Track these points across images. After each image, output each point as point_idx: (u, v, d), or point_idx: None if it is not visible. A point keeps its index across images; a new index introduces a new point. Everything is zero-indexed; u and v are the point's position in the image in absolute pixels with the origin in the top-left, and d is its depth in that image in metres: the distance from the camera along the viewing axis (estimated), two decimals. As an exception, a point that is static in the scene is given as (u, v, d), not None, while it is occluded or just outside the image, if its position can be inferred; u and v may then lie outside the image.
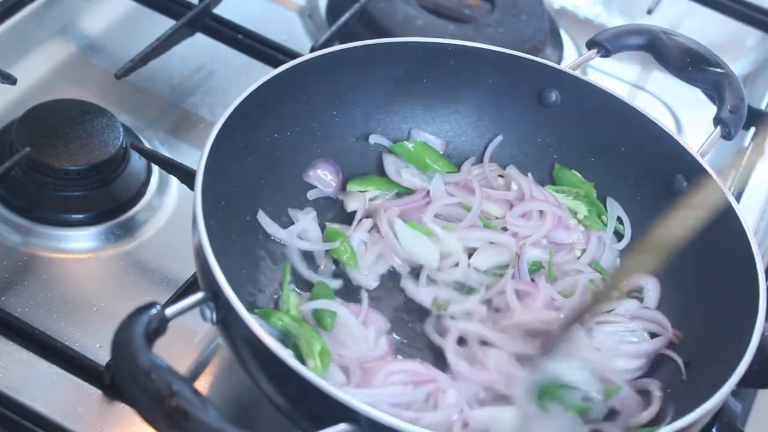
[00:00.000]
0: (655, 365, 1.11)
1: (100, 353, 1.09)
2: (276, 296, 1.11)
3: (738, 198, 1.42)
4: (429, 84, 1.25)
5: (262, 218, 1.14)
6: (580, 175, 1.26)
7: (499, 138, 1.27)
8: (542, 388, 1.03)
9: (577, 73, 1.25)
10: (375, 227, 1.18)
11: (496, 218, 1.23)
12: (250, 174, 1.13)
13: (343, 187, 1.22)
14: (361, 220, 1.18)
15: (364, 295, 1.12)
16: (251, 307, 1.05)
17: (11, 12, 1.40)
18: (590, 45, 1.28)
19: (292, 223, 1.17)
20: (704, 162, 1.17)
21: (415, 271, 1.16)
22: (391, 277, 1.17)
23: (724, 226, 1.12)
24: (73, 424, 1.03)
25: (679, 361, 1.09)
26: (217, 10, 1.46)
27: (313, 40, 1.52)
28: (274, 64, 1.34)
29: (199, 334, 1.14)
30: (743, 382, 0.98)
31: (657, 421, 1.05)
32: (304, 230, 1.16)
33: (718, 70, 1.25)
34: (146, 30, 1.42)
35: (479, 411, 1.01)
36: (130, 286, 1.18)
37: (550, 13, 1.65)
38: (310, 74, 1.17)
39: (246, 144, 1.12)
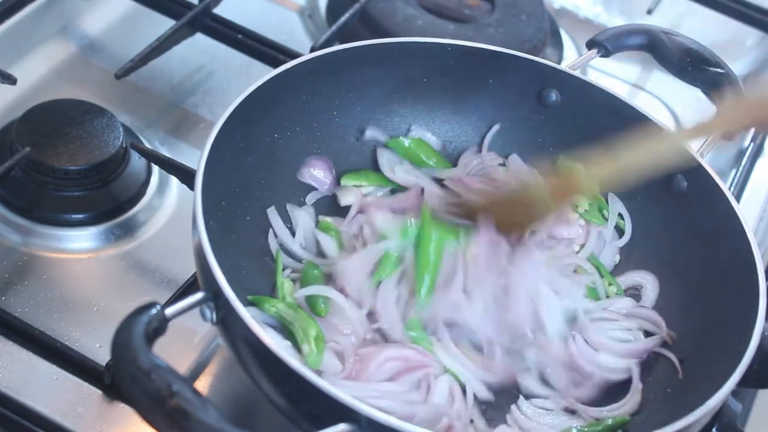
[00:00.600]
0: (651, 364, 1.12)
1: (100, 353, 1.09)
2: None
3: (738, 198, 1.42)
4: (429, 84, 1.25)
5: (272, 215, 1.14)
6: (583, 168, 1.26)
7: (497, 126, 1.27)
8: None
9: (577, 73, 1.25)
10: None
11: None
12: (250, 174, 1.13)
13: (337, 182, 1.22)
14: (355, 215, 1.19)
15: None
16: (250, 305, 1.05)
17: (11, 12, 1.40)
18: (590, 45, 1.28)
19: (289, 220, 1.17)
20: (704, 162, 1.17)
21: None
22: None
23: (724, 226, 1.12)
24: (73, 424, 1.03)
25: (674, 358, 1.09)
26: (217, 10, 1.46)
27: (313, 40, 1.52)
28: (274, 64, 1.35)
29: (199, 334, 1.14)
30: (743, 382, 0.98)
31: (639, 410, 1.07)
32: (301, 227, 1.16)
33: (718, 70, 1.25)
34: (146, 30, 1.42)
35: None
36: (130, 286, 1.18)
37: (550, 13, 1.65)
38: (310, 74, 1.17)
39: (246, 144, 1.12)
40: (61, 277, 1.17)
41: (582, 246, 1.22)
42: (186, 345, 1.12)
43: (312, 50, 1.37)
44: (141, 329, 0.87)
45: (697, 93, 1.30)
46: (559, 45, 1.62)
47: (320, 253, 1.16)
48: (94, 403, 1.05)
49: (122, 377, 0.84)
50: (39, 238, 1.20)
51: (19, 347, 1.08)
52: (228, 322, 0.94)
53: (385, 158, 1.24)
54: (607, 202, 1.24)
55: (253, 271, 1.10)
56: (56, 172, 1.21)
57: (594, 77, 1.43)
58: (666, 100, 1.59)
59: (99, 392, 1.06)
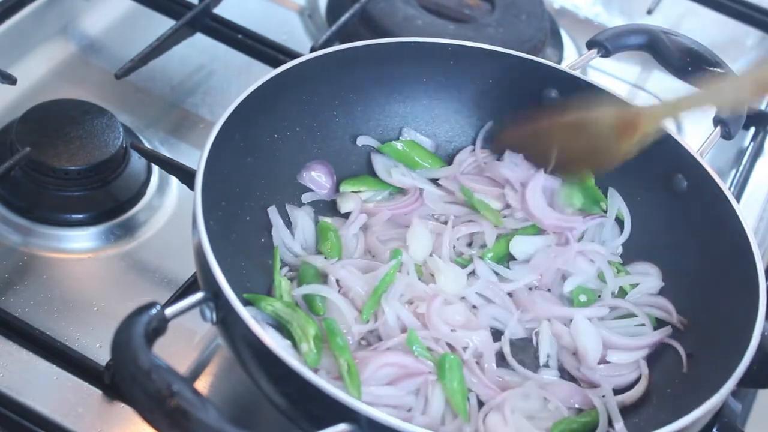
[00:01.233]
0: (651, 364, 1.12)
1: (100, 353, 1.09)
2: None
3: (738, 198, 1.42)
4: (429, 84, 1.25)
5: (273, 214, 1.14)
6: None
7: (489, 124, 1.27)
8: None
9: (577, 73, 1.25)
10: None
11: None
12: (250, 174, 1.13)
13: (337, 189, 1.22)
14: (356, 220, 1.19)
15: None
16: (247, 304, 1.05)
17: (11, 12, 1.40)
18: (590, 45, 1.28)
19: (289, 220, 1.17)
20: (704, 162, 1.17)
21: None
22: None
23: (724, 226, 1.12)
24: (73, 424, 1.03)
25: (682, 351, 1.09)
26: (217, 10, 1.46)
27: (313, 40, 1.52)
28: (274, 64, 1.35)
29: (199, 334, 1.14)
30: (743, 382, 0.98)
31: (645, 399, 1.07)
32: (300, 227, 1.16)
33: (718, 70, 1.25)
34: (146, 30, 1.42)
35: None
36: (130, 286, 1.18)
37: (550, 13, 1.65)
38: (310, 74, 1.17)
39: (246, 144, 1.12)
40: (61, 277, 1.17)
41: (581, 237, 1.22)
42: (186, 345, 1.12)
43: (312, 50, 1.37)
44: (141, 329, 0.87)
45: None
46: (559, 45, 1.62)
47: (319, 253, 1.16)
48: (94, 403, 1.05)
49: (122, 377, 0.84)
50: (39, 238, 1.20)
51: (19, 347, 1.08)
52: (228, 322, 0.94)
53: (380, 162, 1.24)
54: (605, 195, 1.24)
55: (253, 271, 1.10)
56: (56, 172, 1.21)
57: (594, 77, 1.43)
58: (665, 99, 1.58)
59: (99, 392, 1.06)
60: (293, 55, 1.39)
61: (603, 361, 1.11)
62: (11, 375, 1.06)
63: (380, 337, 1.08)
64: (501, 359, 1.10)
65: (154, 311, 0.89)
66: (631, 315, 1.15)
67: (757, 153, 1.52)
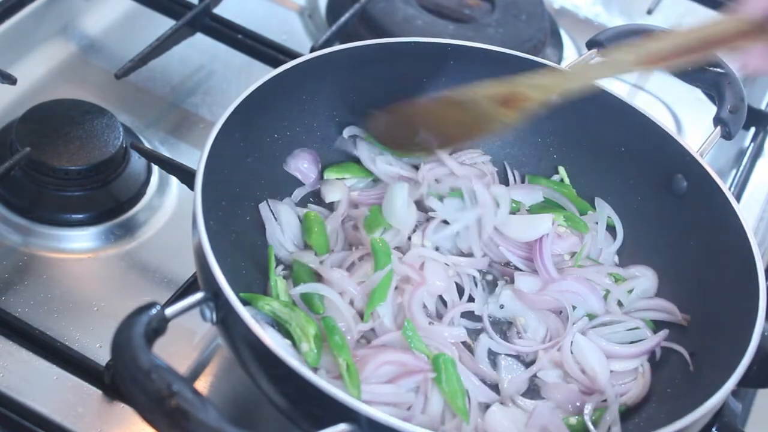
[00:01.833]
0: (651, 365, 1.12)
1: (100, 353, 1.09)
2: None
3: (738, 198, 1.42)
4: (429, 84, 1.25)
5: (264, 209, 1.14)
6: (554, 179, 1.26)
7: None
8: None
9: (577, 72, 1.24)
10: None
11: None
12: (250, 174, 1.13)
13: (321, 176, 1.22)
14: (344, 212, 1.19)
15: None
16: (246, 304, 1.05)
17: (11, 12, 1.40)
18: (590, 45, 1.28)
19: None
20: (704, 162, 1.17)
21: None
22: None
23: (724, 226, 1.12)
24: (73, 424, 1.04)
25: (684, 351, 1.09)
26: (217, 10, 1.46)
27: (313, 40, 1.52)
28: (274, 64, 1.35)
29: (199, 334, 1.14)
30: (743, 382, 0.98)
31: (645, 399, 1.07)
32: (285, 222, 1.16)
33: (718, 70, 1.25)
34: (146, 30, 1.42)
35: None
36: (130, 286, 1.18)
37: (550, 13, 1.65)
38: (310, 74, 1.17)
39: (246, 144, 1.12)
40: (61, 277, 1.17)
41: (574, 254, 1.21)
42: (186, 345, 1.12)
43: (312, 50, 1.37)
44: (141, 329, 0.87)
45: (697, 93, 1.30)
46: (559, 45, 1.62)
47: (307, 246, 1.16)
48: (94, 403, 1.05)
49: (122, 377, 0.84)
50: (39, 238, 1.20)
51: (19, 347, 1.08)
52: (228, 322, 0.94)
53: (365, 150, 1.23)
54: (593, 206, 1.24)
55: (253, 271, 1.10)
56: (56, 172, 1.21)
57: (594, 77, 1.42)
58: (666, 100, 1.59)
59: (99, 392, 1.06)
60: (293, 55, 1.39)
61: None
62: (11, 375, 1.06)
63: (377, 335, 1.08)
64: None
65: (154, 311, 0.89)
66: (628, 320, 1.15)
67: (757, 153, 1.52)
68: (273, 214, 1.15)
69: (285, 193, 1.19)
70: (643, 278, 1.18)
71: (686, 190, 1.18)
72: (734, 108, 1.23)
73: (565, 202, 1.24)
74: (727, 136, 1.23)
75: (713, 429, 1.07)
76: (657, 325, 1.15)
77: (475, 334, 1.13)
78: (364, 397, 0.98)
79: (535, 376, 1.10)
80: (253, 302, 1.04)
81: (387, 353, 1.04)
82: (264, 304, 1.04)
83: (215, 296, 0.94)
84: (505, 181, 1.27)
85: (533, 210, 1.23)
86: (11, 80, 1.29)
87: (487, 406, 1.05)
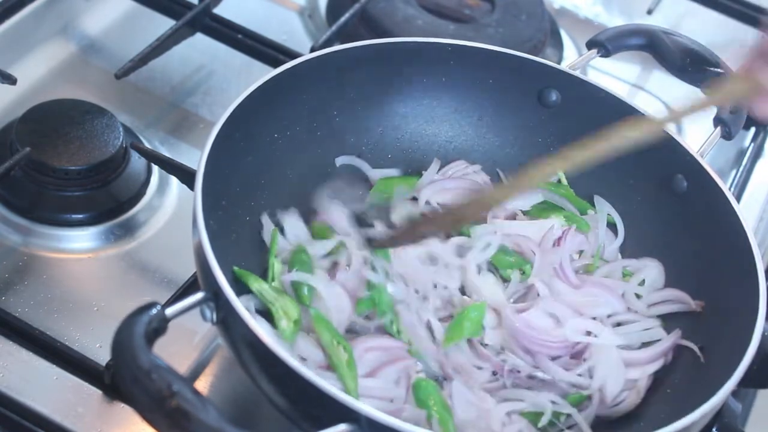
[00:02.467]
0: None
1: (100, 353, 1.09)
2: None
3: (738, 198, 1.42)
4: (429, 83, 1.25)
5: (266, 222, 1.14)
6: (552, 180, 1.26)
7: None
8: None
9: (577, 73, 1.25)
10: None
11: None
12: (250, 174, 1.13)
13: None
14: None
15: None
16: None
17: (11, 12, 1.40)
18: (591, 45, 1.28)
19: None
20: (704, 162, 1.17)
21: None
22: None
23: (724, 227, 1.12)
24: (73, 424, 1.03)
25: (695, 347, 1.08)
26: (217, 10, 1.46)
27: (313, 40, 1.52)
28: (274, 64, 1.35)
29: (199, 334, 1.14)
30: (743, 382, 0.98)
31: (645, 400, 1.07)
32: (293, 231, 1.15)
33: (718, 70, 1.25)
34: (146, 30, 1.42)
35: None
36: (130, 286, 1.18)
37: (550, 13, 1.65)
38: (310, 74, 1.17)
39: (246, 144, 1.12)
40: (61, 277, 1.17)
41: (581, 253, 1.21)
42: (186, 345, 1.12)
43: (312, 50, 1.37)
44: (141, 329, 0.87)
45: (697, 93, 1.30)
46: (559, 45, 1.62)
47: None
48: (94, 403, 1.05)
49: (123, 377, 0.84)
50: (39, 238, 1.20)
51: (19, 347, 1.08)
52: (228, 322, 0.94)
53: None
54: (593, 204, 1.24)
55: (253, 271, 1.10)
56: (56, 172, 1.21)
57: (594, 77, 1.42)
58: (666, 100, 1.59)
59: (99, 392, 1.06)
60: (293, 55, 1.39)
61: None
62: (11, 375, 1.06)
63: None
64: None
65: (154, 311, 0.89)
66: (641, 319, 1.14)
67: (757, 153, 1.52)
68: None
69: (284, 193, 1.18)
70: (651, 268, 1.18)
71: (686, 190, 1.18)
72: (734, 108, 1.23)
73: (564, 203, 1.24)
74: (727, 136, 1.23)
75: (713, 429, 1.07)
76: (667, 323, 1.14)
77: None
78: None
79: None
80: (244, 278, 1.04)
81: (369, 339, 1.05)
82: (253, 282, 1.04)
83: (215, 296, 0.94)
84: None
85: (533, 212, 1.23)
86: (11, 80, 1.29)
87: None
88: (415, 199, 1.23)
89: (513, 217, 1.22)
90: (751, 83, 0.98)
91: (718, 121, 1.23)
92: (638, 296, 1.15)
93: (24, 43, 1.42)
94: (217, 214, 1.05)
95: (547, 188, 1.24)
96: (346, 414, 0.87)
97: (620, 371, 1.08)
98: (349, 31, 1.47)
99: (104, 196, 1.24)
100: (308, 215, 1.17)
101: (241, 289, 1.04)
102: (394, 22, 1.50)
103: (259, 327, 0.91)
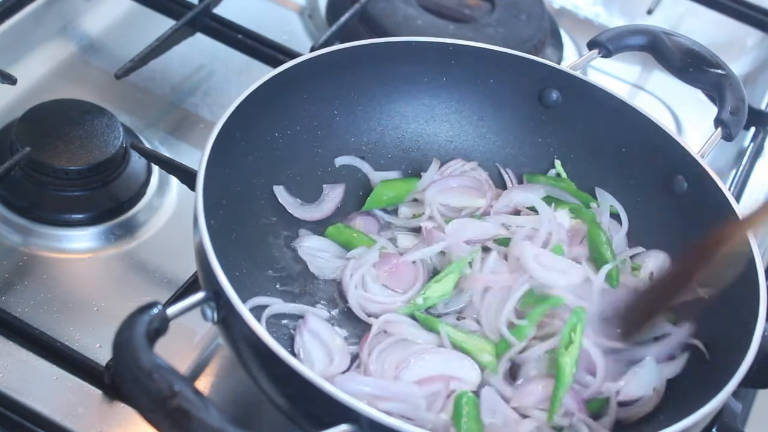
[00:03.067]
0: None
1: (100, 353, 1.09)
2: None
3: (738, 198, 1.42)
4: (429, 83, 1.25)
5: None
6: (552, 176, 1.26)
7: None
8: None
9: (577, 73, 1.25)
10: None
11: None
12: (250, 173, 1.13)
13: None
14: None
15: None
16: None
17: (11, 12, 1.40)
18: (591, 45, 1.28)
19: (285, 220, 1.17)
20: (704, 163, 1.17)
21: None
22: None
23: (724, 227, 1.12)
24: (73, 424, 1.03)
25: (699, 344, 1.08)
26: (217, 10, 1.46)
27: (313, 40, 1.52)
28: (274, 64, 1.35)
29: (200, 334, 1.14)
30: (743, 382, 0.98)
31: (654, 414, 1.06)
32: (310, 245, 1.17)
33: (719, 71, 1.25)
34: (146, 30, 1.42)
35: None
36: (130, 286, 1.18)
37: (550, 13, 1.65)
38: (310, 74, 1.17)
39: (246, 143, 1.12)
40: (61, 277, 1.17)
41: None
42: (186, 345, 1.12)
43: (312, 50, 1.37)
44: (142, 329, 0.86)
45: (697, 93, 1.30)
46: (559, 45, 1.62)
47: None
48: (94, 403, 1.05)
49: (124, 377, 0.84)
50: (39, 238, 1.20)
51: (19, 347, 1.08)
52: (229, 321, 0.94)
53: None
54: (595, 197, 1.24)
55: (253, 271, 1.10)
56: (56, 172, 1.21)
57: (594, 77, 1.43)
58: (666, 100, 1.59)
59: (99, 392, 1.06)
60: (293, 55, 1.39)
61: None
62: (11, 375, 1.06)
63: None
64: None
65: (155, 311, 0.89)
66: None
67: (757, 153, 1.52)
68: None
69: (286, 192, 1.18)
70: (656, 258, 1.18)
71: (686, 190, 1.18)
72: (735, 109, 1.23)
73: (566, 197, 1.24)
74: (727, 137, 1.23)
75: (713, 429, 1.07)
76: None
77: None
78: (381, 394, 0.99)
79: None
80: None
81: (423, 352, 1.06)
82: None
83: (216, 296, 0.94)
84: (501, 183, 1.27)
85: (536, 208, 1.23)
86: (11, 80, 1.29)
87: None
88: (416, 200, 1.23)
89: (517, 212, 1.22)
90: None
91: (718, 122, 1.23)
92: None
93: (24, 43, 1.42)
94: (218, 213, 1.05)
95: (548, 183, 1.24)
96: (347, 414, 0.87)
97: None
98: (349, 31, 1.47)
99: (104, 196, 1.24)
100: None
101: (242, 289, 1.03)
102: (394, 22, 1.50)
103: (260, 327, 0.91)
